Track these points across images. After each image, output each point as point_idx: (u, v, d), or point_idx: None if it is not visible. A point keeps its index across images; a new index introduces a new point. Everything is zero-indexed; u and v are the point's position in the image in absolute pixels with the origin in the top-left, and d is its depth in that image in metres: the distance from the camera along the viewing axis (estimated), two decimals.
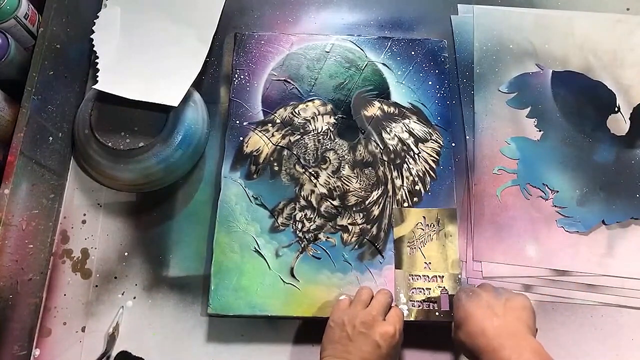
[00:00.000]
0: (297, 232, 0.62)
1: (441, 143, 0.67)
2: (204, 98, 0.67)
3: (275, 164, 0.65)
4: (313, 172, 0.64)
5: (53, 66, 0.60)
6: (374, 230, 0.62)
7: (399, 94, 0.69)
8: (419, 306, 0.59)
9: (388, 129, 0.67)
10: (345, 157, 0.66)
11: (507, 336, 0.47)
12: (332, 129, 0.67)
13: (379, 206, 0.63)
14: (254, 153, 0.65)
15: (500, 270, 0.63)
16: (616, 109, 0.70)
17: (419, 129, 0.67)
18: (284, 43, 0.71)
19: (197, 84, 0.65)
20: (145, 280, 0.61)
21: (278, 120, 0.67)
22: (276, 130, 0.66)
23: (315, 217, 0.63)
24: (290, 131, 0.66)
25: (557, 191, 0.66)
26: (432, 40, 0.72)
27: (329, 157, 0.65)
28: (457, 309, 0.53)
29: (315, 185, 0.64)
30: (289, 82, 0.69)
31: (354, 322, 0.51)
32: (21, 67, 0.59)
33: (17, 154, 0.54)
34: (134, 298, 0.60)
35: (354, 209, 0.63)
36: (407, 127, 0.67)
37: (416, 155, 0.66)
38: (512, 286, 0.62)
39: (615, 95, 0.71)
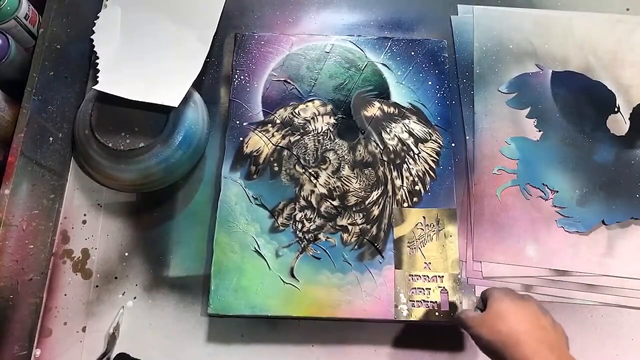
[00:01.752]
0: (297, 232, 0.62)
1: (441, 143, 0.67)
2: (204, 98, 0.67)
3: (275, 164, 0.65)
4: (313, 173, 0.64)
5: (53, 67, 0.61)
6: (374, 230, 0.62)
7: (399, 94, 0.69)
8: (419, 306, 0.59)
9: (388, 129, 0.67)
10: (345, 157, 0.66)
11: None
12: (332, 129, 0.67)
13: (378, 206, 0.64)
14: (254, 153, 0.65)
15: (500, 270, 0.63)
16: (616, 109, 0.70)
17: (418, 129, 0.67)
18: (284, 43, 0.71)
19: (197, 85, 0.65)
20: (145, 280, 0.61)
21: (278, 121, 0.67)
22: (276, 131, 0.66)
23: (315, 217, 0.63)
24: (290, 131, 0.66)
25: (557, 191, 0.66)
26: (432, 41, 0.72)
27: (328, 158, 0.65)
28: (497, 303, 0.48)
29: (315, 186, 0.64)
30: (289, 83, 0.69)
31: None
32: (21, 67, 0.59)
33: (17, 154, 0.54)
34: (135, 298, 0.60)
35: (354, 209, 0.63)
36: (407, 127, 0.67)
37: (416, 156, 0.66)
38: (512, 286, 0.62)
39: (615, 95, 0.71)
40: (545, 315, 0.48)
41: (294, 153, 0.65)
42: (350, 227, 0.63)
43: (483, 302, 0.52)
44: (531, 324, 0.46)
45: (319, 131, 0.66)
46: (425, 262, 0.61)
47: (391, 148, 0.66)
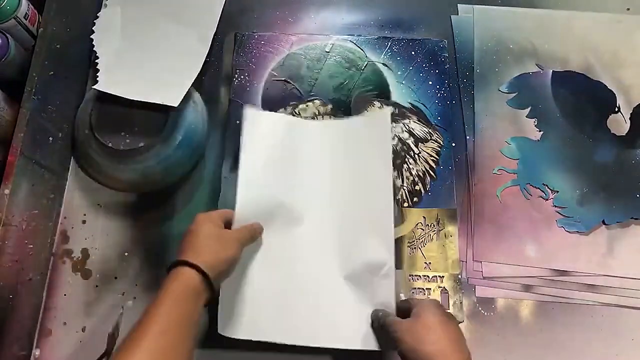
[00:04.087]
0: None
1: (441, 143, 0.67)
2: (204, 98, 0.67)
3: None
4: None
5: (53, 66, 0.61)
6: None
7: (399, 94, 0.69)
8: None
9: None
10: None
11: None
12: None
13: None
14: None
15: (501, 270, 0.63)
16: (616, 109, 0.70)
17: (419, 129, 0.67)
18: (284, 43, 0.71)
19: (197, 84, 0.65)
20: (145, 280, 0.61)
21: None
22: None
23: None
24: None
25: (557, 191, 0.66)
26: (432, 40, 0.72)
27: None
28: (427, 314, 0.48)
29: None
30: (289, 82, 0.69)
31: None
32: (21, 67, 0.59)
33: (17, 154, 0.54)
34: (134, 298, 0.60)
35: None
36: (407, 127, 0.67)
37: (416, 155, 0.66)
38: (512, 286, 0.62)
39: (615, 95, 0.71)
40: (464, 339, 0.48)
41: None
42: None
43: (401, 310, 0.52)
44: (457, 343, 0.47)
45: None
46: (425, 262, 0.61)
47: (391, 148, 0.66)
